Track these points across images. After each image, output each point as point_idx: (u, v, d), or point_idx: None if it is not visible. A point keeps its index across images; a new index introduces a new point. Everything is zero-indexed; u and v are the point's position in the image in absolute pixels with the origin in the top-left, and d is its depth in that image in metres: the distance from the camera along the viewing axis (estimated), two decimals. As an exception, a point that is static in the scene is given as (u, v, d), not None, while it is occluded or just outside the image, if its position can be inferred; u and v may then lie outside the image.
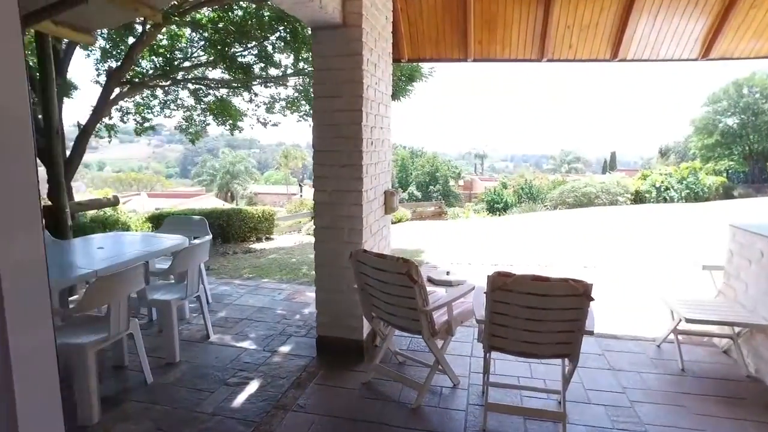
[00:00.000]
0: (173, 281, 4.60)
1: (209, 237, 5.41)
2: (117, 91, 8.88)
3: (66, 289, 4.00)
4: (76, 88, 9.36)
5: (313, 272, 4.00)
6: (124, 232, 4.95)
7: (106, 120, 10.48)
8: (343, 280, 3.84)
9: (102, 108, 8.22)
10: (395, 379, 3.57)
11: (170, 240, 4.47)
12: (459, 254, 9.67)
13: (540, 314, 2.67)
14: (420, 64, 10.58)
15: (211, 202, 39.38)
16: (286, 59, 10.50)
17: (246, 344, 4.31)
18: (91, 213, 11.03)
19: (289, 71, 10.58)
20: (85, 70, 10.92)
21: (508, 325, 2.80)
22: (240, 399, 3.35)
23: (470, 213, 22.14)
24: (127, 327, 3.34)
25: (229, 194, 53.82)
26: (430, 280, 6.91)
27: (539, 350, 2.82)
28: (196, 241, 5.12)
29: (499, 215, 24.87)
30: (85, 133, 8.05)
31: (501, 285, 2.68)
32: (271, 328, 4.71)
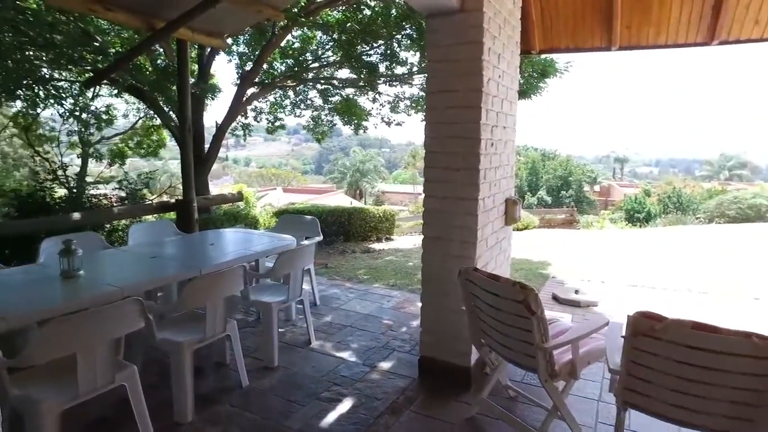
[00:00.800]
0: (281, 282, 4.54)
1: (319, 238, 5.31)
2: (251, 92, 9.37)
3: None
4: (220, 90, 10.04)
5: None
6: (240, 229, 5.05)
7: (242, 119, 11.17)
8: (451, 299, 3.41)
9: (236, 108, 8.70)
10: (504, 419, 3.06)
11: (278, 240, 4.40)
12: (591, 269, 8.64)
13: (701, 374, 2.01)
14: (554, 56, 9.66)
15: (339, 199, 41.10)
16: (411, 57, 10.27)
17: (346, 355, 4.08)
18: (226, 206, 11.85)
19: (414, 69, 10.34)
20: (228, 74, 11.74)
21: (653, 381, 2.16)
22: (330, 418, 3.10)
23: (606, 222, 20.16)
24: (224, 329, 3.26)
25: (358, 192, 55.68)
26: (555, 299, 6.16)
27: (694, 419, 2.14)
28: (305, 243, 5.05)
29: (640, 226, 22.37)
30: (221, 131, 8.60)
31: (647, 331, 2.06)
32: (374, 339, 4.44)
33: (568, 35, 4.59)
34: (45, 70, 7.56)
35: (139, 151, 11.31)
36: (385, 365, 3.90)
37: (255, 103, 11.67)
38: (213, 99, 9.50)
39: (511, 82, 3.75)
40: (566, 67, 10.58)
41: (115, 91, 9.25)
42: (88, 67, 7.10)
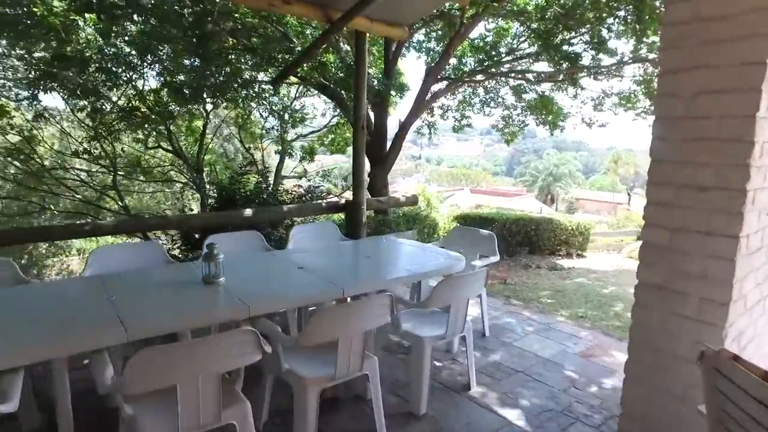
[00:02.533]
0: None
1: (495, 259, 4.47)
2: (437, 88, 8.85)
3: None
4: (407, 88, 9.75)
5: (628, 314, 2.56)
6: (404, 240, 4.48)
7: (428, 118, 10.76)
8: (676, 377, 2.29)
9: (420, 105, 8.25)
10: None
11: (443, 260, 3.68)
12: None
13: None
14: None
15: (529, 203, 38.95)
16: (623, 45, 8.63)
17: (512, 415, 3.18)
18: (406, 207, 11.63)
19: (626, 59, 8.67)
20: (418, 72, 11.46)
21: None
22: None
23: None
24: (360, 367, 2.67)
25: (549, 197, 52.45)
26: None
27: None
28: (477, 263, 4.25)
29: None
30: (403, 129, 8.25)
31: None
32: (552, 397, 3.44)
33: None
34: (248, 73, 8.11)
35: (331, 148, 11.72)
36: (564, 443, 2.90)
37: (442, 100, 11.18)
38: (400, 97, 9.27)
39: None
40: None
41: (307, 89, 9.60)
42: (281, 67, 7.37)
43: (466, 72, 9.75)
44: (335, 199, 6.23)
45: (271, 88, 8.27)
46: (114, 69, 7.65)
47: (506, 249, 10.47)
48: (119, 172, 10.79)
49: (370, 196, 6.71)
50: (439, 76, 8.49)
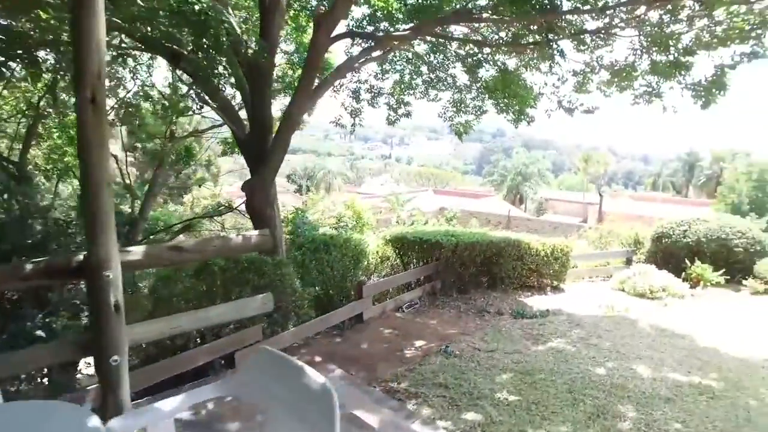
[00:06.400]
0: None
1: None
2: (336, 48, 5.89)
3: None
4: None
5: None
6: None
7: (353, 104, 7.83)
8: None
9: (308, 77, 5.30)
10: None
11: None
12: None
13: None
14: None
15: (495, 203, 36.46)
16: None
17: None
18: (325, 229, 8.68)
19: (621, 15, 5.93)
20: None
21: None
22: None
23: None
24: None
25: (518, 197, 50.32)
26: None
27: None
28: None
29: None
30: (289, 119, 5.35)
31: None
32: None
33: None
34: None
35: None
36: None
37: (369, 78, 8.26)
38: (292, 69, 6.35)
39: None
40: None
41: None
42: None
43: (385, 30, 6.77)
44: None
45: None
46: None
47: (457, 284, 7.63)
48: None
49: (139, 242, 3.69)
50: (335, 34, 5.54)
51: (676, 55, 5.89)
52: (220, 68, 5.48)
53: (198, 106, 6.55)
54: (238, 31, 5.21)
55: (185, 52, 5.23)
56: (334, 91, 7.93)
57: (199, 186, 16.46)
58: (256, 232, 3.59)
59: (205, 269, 4.60)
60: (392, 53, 7.79)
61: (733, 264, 8.76)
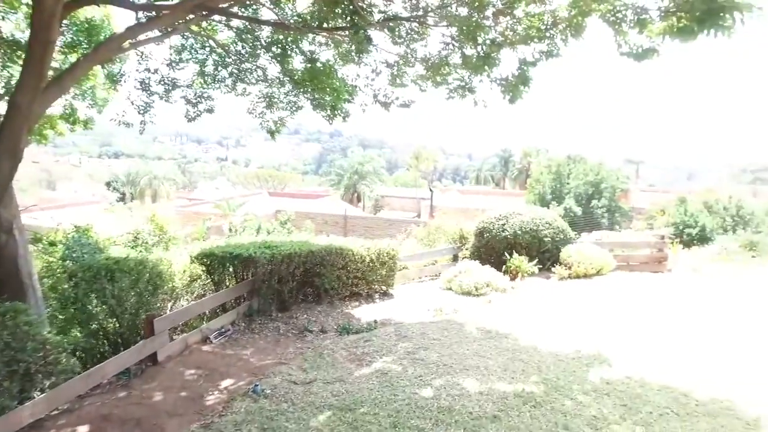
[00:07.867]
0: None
1: None
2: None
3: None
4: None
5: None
6: None
7: (135, 96, 6.46)
8: None
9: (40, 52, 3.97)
10: None
11: None
12: None
13: None
14: None
15: (333, 203, 36.28)
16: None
17: None
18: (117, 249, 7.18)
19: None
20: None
21: None
22: None
23: (677, 249, 15.29)
24: None
25: (356, 195, 51.05)
26: None
27: None
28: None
29: (697, 246, 17.41)
30: (15, 111, 3.96)
31: None
32: None
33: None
34: None
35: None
36: None
37: (164, 70, 6.94)
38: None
39: None
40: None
41: None
42: None
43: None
44: None
45: None
46: None
47: (276, 302, 6.76)
48: None
49: None
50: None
51: (484, 47, 5.80)
52: None
53: None
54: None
55: None
56: (114, 81, 6.44)
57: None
58: None
59: None
60: (186, 38, 6.59)
61: (543, 253, 9.33)
